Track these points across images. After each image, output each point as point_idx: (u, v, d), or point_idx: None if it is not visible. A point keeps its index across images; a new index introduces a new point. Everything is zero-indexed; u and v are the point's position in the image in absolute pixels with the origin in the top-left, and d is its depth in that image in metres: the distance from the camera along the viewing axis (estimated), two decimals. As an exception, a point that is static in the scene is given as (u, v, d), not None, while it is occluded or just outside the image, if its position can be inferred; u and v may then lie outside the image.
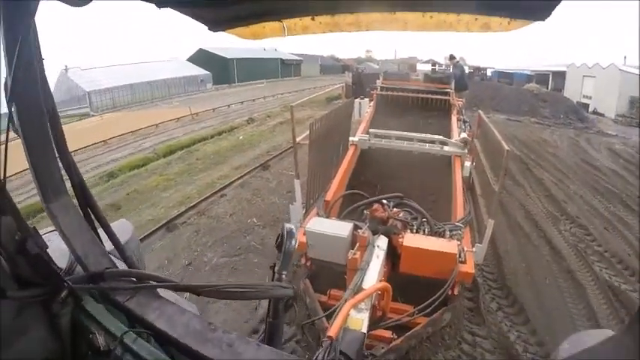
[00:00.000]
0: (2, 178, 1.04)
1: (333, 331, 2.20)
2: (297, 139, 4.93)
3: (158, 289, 1.27)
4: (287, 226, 1.32)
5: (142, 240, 6.06)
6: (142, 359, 1.01)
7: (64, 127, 1.28)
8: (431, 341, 3.88)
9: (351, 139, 6.80)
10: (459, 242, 3.82)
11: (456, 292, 3.75)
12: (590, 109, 19.53)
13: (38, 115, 1.17)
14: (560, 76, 21.92)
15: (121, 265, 1.40)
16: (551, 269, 5.61)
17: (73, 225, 1.24)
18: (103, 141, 13.96)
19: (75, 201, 1.30)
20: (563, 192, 8.50)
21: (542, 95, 19.60)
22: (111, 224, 1.65)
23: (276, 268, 1.33)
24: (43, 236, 1.16)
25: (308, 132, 5.08)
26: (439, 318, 3.72)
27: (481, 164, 5.43)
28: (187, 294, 1.27)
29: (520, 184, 8.66)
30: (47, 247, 1.11)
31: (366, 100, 9.33)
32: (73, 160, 1.26)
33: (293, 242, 1.32)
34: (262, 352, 1.05)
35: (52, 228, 1.28)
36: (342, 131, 6.90)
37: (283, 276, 1.32)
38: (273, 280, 1.33)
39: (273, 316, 1.34)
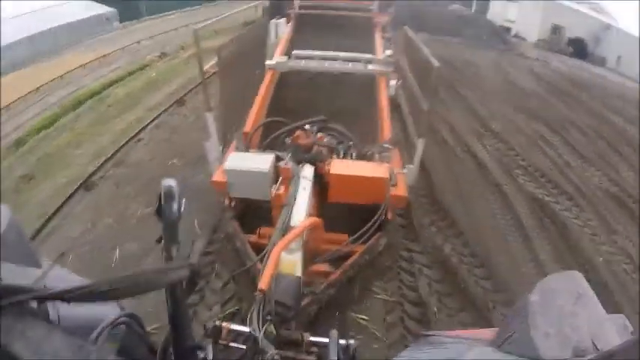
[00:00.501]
0: None
1: (263, 282, 2.06)
2: (206, 67, 4.34)
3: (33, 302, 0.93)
4: (164, 184, 1.04)
5: (61, 207, 5.51)
6: None
7: None
8: (369, 268, 3.82)
9: (267, 62, 6.25)
10: (388, 165, 3.66)
11: (390, 217, 3.63)
12: (513, 32, 20.01)
13: None
14: (483, -2, 22.12)
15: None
16: (478, 183, 5.75)
17: None
18: (5, 107, 12.05)
19: None
20: (486, 109, 8.68)
21: (465, 17, 19.71)
22: None
23: (163, 243, 1.05)
24: None
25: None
26: (375, 244, 3.65)
27: (407, 82, 5.17)
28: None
29: (445, 102, 8.68)
30: None
31: (283, 20, 8.59)
32: None
33: (175, 206, 1.04)
34: None
35: None
36: (257, 56, 6.32)
37: (174, 252, 1.06)
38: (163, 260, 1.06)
39: (172, 307, 1.08)
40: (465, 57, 13.33)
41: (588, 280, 0.86)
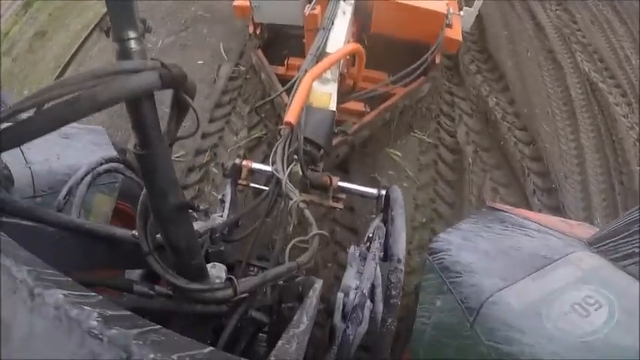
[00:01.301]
0: None
1: (291, 114, 1.74)
2: None
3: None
4: None
5: (77, 52, 5.19)
6: None
7: None
8: (407, 114, 3.56)
9: None
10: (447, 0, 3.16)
11: (437, 61, 3.27)
12: None
13: None
14: None
15: None
16: (533, 44, 5.09)
17: None
18: None
19: None
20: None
21: None
22: None
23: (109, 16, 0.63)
24: None
25: None
26: (417, 89, 3.38)
27: None
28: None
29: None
30: None
31: None
32: None
33: None
34: None
35: None
36: None
37: (132, 42, 0.63)
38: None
39: (140, 138, 0.69)
40: None
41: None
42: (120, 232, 1.07)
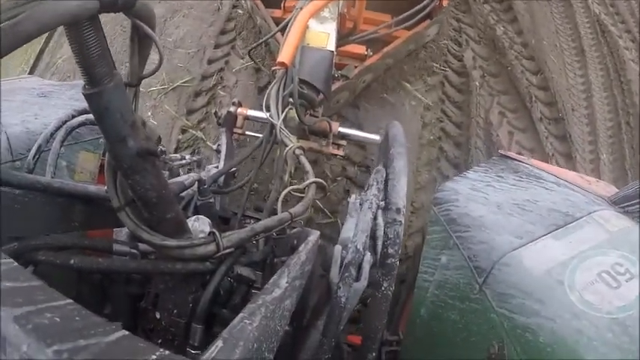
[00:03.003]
0: None
1: (285, 54, 1.61)
2: None
3: None
4: None
5: None
6: None
7: None
8: (411, 59, 3.36)
9: None
10: None
11: (444, 3, 3.06)
12: None
13: None
14: None
15: None
16: None
17: None
18: None
19: None
20: None
21: None
22: None
23: None
24: None
25: None
26: (423, 32, 3.16)
27: None
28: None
29: None
30: None
31: None
32: None
33: None
34: None
35: None
36: None
37: None
38: None
39: (87, 78, 0.60)
40: None
41: None
42: (94, 189, 0.97)
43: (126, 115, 0.65)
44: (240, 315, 0.63)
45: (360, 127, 2.95)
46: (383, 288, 1.06)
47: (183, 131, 3.11)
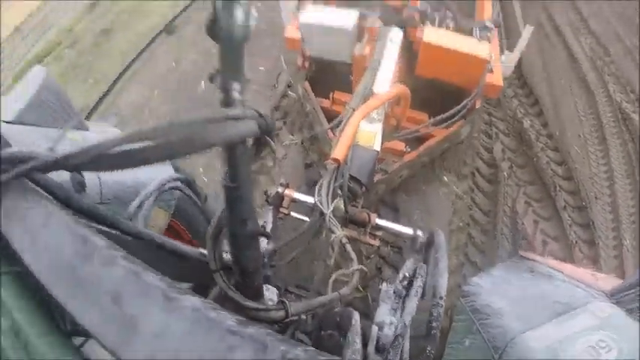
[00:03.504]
0: None
1: (339, 151, 1.82)
2: None
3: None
4: None
5: (144, 50, 5.72)
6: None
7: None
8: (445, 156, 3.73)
9: None
10: (489, 45, 3.21)
11: (477, 106, 3.30)
12: None
13: None
14: None
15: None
16: (567, 74, 5.36)
17: None
18: None
19: None
20: (589, 8, 7.64)
21: None
22: (21, 81, 1.41)
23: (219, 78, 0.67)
24: None
25: None
26: (457, 131, 3.41)
27: None
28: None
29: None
30: None
31: None
32: None
33: (239, 17, 0.59)
34: (182, 320, 0.57)
35: None
36: None
37: (235, 93, 0.67)
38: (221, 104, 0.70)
39: (231, 175, 0.76)
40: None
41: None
42: (186, 248, 1.12)
43: (250, 205, 0.81)
44: None
45: (395, 210, 3.36)
46: (427, 352, 1.39)
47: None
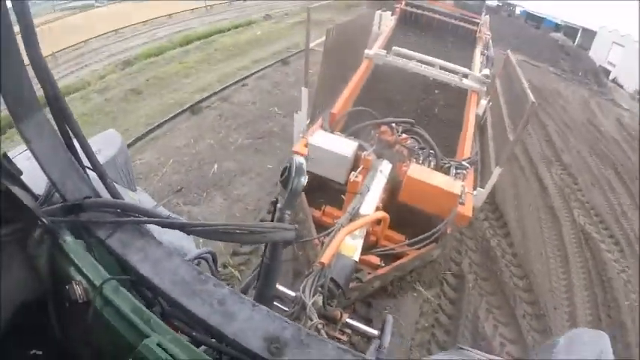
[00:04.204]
0: None
1: (326, 257, 2.21)
2: (311, 45, 4.53)
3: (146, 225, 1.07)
4: (297, 160, 1.12)
5: (167, 121, 6.33)
6: (123, 314, 0.87)
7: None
8: (416, 273, 4.15)
9: (366, 52, 6.32)
10: (462, 183, 3.79)
11: (448, 231, 3.71)
12: (611, 76, 18.73)
13: None
14: (589, 35, 20.77)
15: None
16: (536, 202, 6.20)
17: (47, 146, 1.01)
18: (114, 30, 12.75)
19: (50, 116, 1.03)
20: (562, 142, 8.84)
21: (566, 48, 18.62)
22: (96, 136, 1.53)
23: (279, 206, 1.17)
24: (21, 154, 1.14)
25: (323, 38, 4.73)
26: (428, 253, 3.80)
27: (498, 106, 5.46)
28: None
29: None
30: (21, 174, 0.96)
31: (388, 13, 8.50)
32: (47, 66, 0.95)
33: (302, 179, 1.12)
34: (258, 314, 0.90)
35: None
36: (357, 44, 6.41)
37: (286, 215, 1.16)
38: (273, 220, 1.19)
39: (270, 258, 1.25)
40: (556, 87, 13.10)
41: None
42: None
43: (276, 276, 1.26)
44: None
45: (368, 305, 3.66)
46: None
47: (224, 266, 3.80)
